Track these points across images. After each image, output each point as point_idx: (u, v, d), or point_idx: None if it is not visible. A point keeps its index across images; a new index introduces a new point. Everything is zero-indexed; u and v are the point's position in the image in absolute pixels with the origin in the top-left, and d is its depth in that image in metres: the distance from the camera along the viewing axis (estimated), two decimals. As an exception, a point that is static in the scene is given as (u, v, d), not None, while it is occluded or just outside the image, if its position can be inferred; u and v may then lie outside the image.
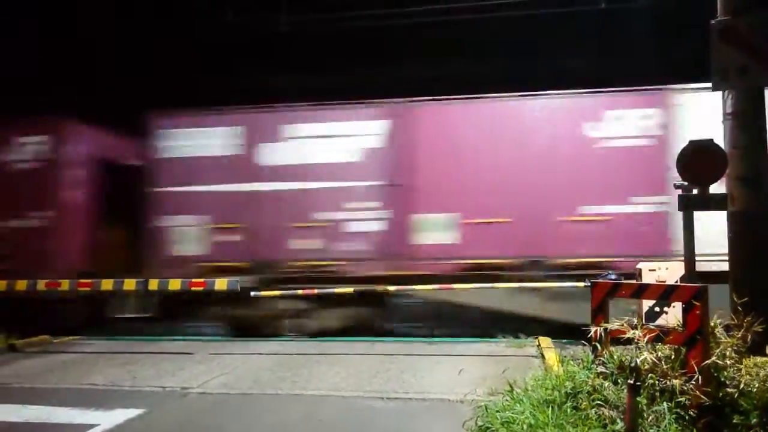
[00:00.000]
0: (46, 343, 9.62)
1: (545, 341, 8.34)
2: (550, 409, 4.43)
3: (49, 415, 5.71)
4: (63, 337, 9.87)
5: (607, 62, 13.65)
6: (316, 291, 9.05)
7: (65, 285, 9.53)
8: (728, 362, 4.48)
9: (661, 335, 4.58)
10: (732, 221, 5.56)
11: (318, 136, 9.85)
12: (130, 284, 9.45)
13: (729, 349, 4.56)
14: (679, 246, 6.49)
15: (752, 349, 4.74)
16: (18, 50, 15.41)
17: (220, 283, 9.23)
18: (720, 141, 5.58)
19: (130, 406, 5.93)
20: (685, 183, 5.47)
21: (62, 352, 8.91)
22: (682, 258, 5.60)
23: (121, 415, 5.64)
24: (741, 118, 5.48)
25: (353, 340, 9.32)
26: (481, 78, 12.17)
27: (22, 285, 9.57)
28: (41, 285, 9.58)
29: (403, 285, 8.97)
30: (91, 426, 5.34)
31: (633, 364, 4.11)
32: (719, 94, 5.64)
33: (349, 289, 8.96)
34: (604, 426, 4.16)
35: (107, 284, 9.51)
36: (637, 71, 10.63)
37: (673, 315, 6.05)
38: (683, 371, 4.33)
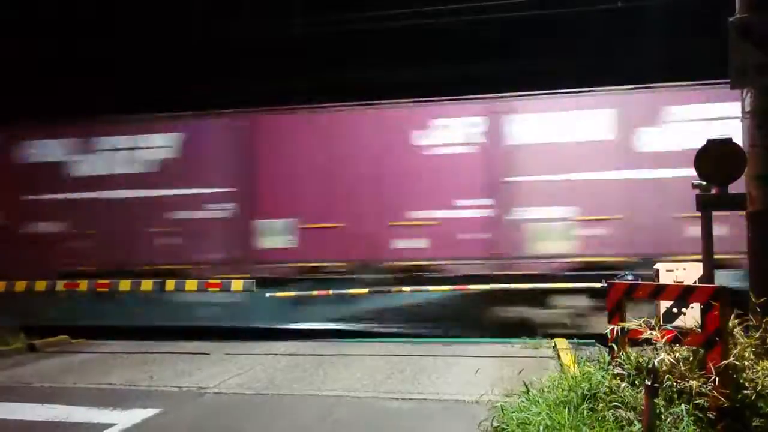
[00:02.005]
0: (65, 343, 9.74)
1: (561, 342, 8.28)
2: (567, 410, 4.39)
3: (68, 414, 5.78)
4: (81, 338, 10.01)
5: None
6: (330, 292, 9.07)
7: (83, 285, 9.60)
8: (746, 363, 4.42)
9: (679, 336, 4.53)
10: (751, 221, 5.49)
11: None
12: (147, 285, 9.51)
13: (747, 350, 4.50)
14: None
15: (771, 350, 4.68)
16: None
17: (236, 284, 9.25)
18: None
19: (148, 405, 5.98)
20: (703, 182, 5.40)
21: (80, 353, 9.02)
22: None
23: (139, 414, 5.69)
24: (760, 117, 5.41)
25: (368, 341, 9.32)
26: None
27: (41, 285, 9.65)
28: (60, 285, 9.67)
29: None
30: (109, 425, 5.39)
31: (651, 366, 4.07)
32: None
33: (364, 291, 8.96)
34: (621, 428, 4.12)
35: (125, 285, 9.58)
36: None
37: (691, 316, 5.98)
38: (701, 373, 4.28)
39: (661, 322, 5.30)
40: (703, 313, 4.42)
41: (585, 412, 4.36)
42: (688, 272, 6.58)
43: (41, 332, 9.60)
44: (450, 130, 9.66)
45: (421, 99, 9.87)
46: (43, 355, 8.93)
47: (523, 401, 4.83)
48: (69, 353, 9.00)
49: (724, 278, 5.27)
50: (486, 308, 9.38)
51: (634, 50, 12.62)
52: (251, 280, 9.26)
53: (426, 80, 12.30)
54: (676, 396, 4.24)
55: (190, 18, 13.57)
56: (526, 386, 5.06)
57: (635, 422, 4.10)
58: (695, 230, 8.34)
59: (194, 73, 14.14)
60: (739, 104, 7.98)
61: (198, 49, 13.77)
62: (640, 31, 12.69)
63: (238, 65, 14.33)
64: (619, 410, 4.25)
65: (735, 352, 4.39)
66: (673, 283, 6.28)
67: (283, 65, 13.95)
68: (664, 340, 4.54)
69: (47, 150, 10.89)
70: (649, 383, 3.85)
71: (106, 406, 5.99)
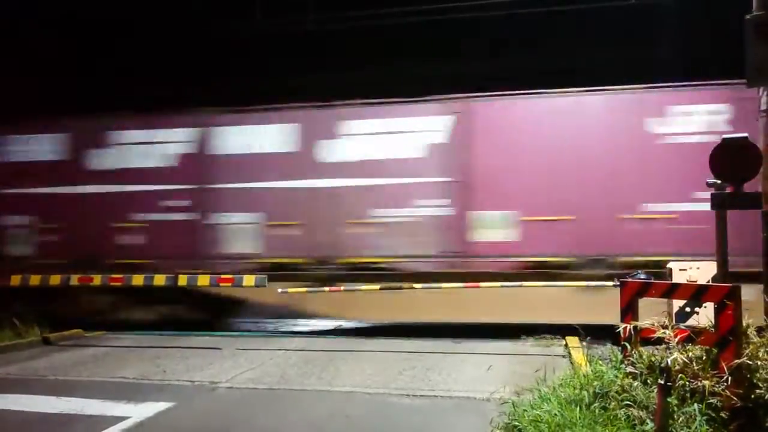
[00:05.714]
0: (79, 336, 9.84)
1: (572, 341, 8.24)
2: (578, 408, 4.40)
3: (81, 407, 5.83)
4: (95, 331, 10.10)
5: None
6: (342, 288, 9.10)
7: (97, 280, 9.68)
8: (760, 363, 4.39)
9: (692, 335, 4.51)
10: (766, 220, 5.44)
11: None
12: (159, 280, 9.57)
13: (761, 350, 4.47)
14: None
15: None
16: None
17: (248, 280, 9.29)
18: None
19: (160, 399, 6.03)
20: (718, 181, 5.37)
21: (94, 346, 9.10)
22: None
23: (152, 408, 5.74)
24: (776, 116, 5.36)
25: (379, 337, 9.34)
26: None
27: (55, 279, 9.74)
28: (74, 280, 9.75)
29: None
30: (122, 418, 5.43)
31: (664, 365, 4.05)
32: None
33: (376, 287, 8.98)
34: (633, 426, 4.11)
35: (138, 279, 9.65)
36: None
37: (704, 315, 5.95)
38: (714, 372, 4.25)
39: (674, 321, 5.28)
40: (717, 312, 4.39)
41: (597, 410, 4.36)
42: (702, 271, 6.56)
43: (55, 325, 9.69)
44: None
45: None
46: (57, 348, 9.02)
47: (534, 399, 4.83)
48: (83, 347, 9.08)
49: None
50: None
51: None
52: (263, 275, 9.31)
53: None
54: (688, 395, 4.22)
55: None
56: (538, 384, 5.06)
57: (647, 421, 4.09)
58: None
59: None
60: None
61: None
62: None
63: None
64: (631, 409, 4.24)
65: (748, 351, 4.36)
66: (686, 282, 6.26)
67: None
68: (676, 339, 4.52)
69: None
70: (662, 382, 3.83)
71: (119, 400, 6.05)
